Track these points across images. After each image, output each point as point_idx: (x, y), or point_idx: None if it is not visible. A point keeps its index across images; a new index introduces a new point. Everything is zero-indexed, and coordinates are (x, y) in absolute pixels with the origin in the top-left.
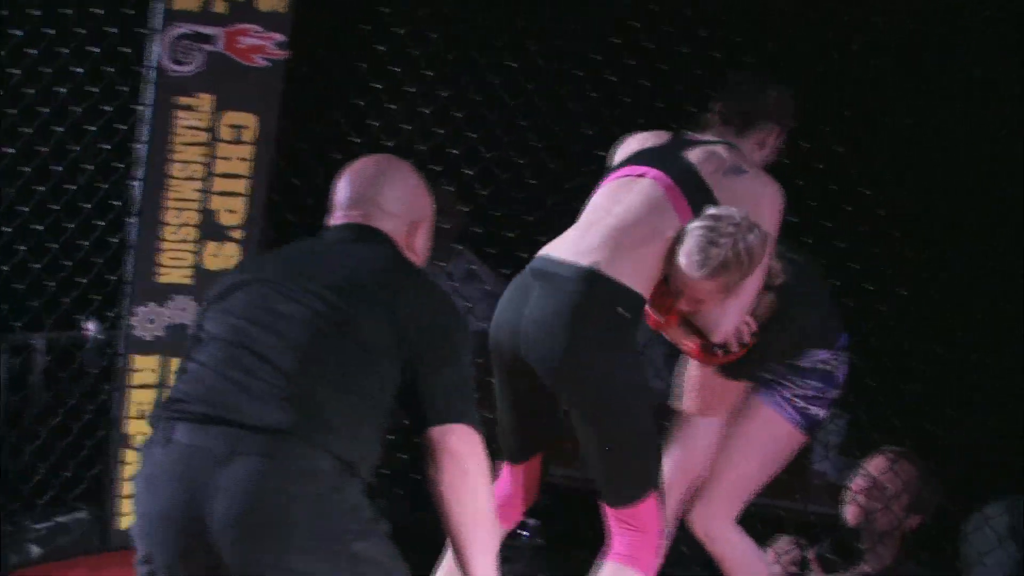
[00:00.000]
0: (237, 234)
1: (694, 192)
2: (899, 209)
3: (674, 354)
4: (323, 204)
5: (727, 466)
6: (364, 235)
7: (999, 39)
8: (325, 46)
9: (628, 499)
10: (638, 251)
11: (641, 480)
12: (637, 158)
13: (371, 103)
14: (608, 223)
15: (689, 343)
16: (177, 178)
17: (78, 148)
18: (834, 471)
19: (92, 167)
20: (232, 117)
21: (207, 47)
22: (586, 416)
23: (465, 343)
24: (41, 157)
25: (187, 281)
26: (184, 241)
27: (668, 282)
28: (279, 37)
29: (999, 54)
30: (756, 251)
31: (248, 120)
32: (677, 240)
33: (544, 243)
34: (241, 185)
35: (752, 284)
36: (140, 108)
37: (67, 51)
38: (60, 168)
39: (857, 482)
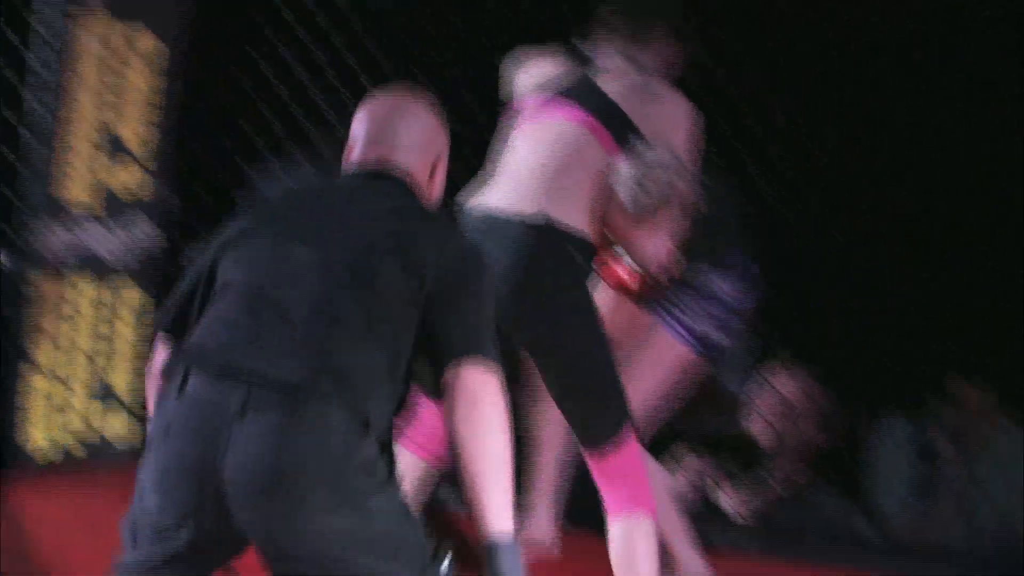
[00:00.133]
0: (141, 155)
1: (618, 128)
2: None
3: None
4: (228, 123)
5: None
6: (380, 176)
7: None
8: None
9: (612, 432)
10: (576, 194)
11: (617, 412)
12: (550, 92)
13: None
14: (539, 169)
15: (625, 277)
16: (80, 100)
17: None
18: (739, 387)
19: None
20: (134, 35)
21: None
22: (556, 363)
23: (484, 283)
24: None
25: (90, 202)
26: (88, 164)
27: (604, 221)
28: None
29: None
30: (688, 189)
31: (150, 40)
32: (611, 181)
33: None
34: (145, 105)
35: (681, 215)
36: (37, 27)
37: None
38: None
39: (765, 400)
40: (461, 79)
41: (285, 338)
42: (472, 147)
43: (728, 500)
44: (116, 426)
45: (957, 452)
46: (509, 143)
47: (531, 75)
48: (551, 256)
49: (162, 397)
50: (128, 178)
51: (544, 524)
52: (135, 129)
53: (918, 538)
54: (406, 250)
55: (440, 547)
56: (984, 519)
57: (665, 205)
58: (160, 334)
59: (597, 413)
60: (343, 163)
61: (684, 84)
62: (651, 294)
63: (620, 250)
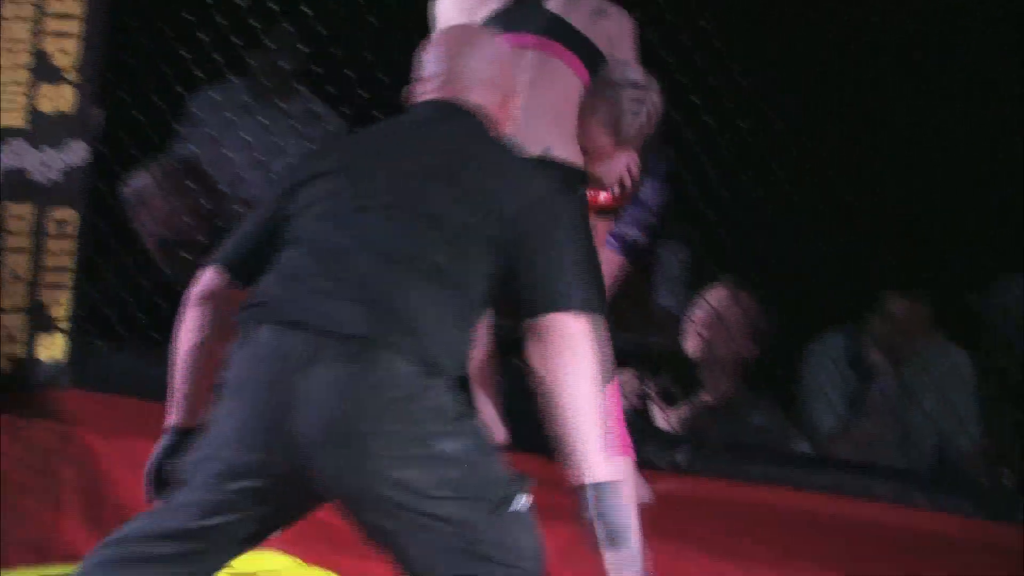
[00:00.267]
0: (71, 76)
1: (581, 49)
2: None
3: None
4: (159, 43)
5: None
6: (451, 112)
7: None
8: None
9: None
10: (564, 126)
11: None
12: (505, 24)
13: None
14: (528, 107)
15: (602, 199)
16: (7, 18)
17: None
18: (675, 304)
19: None
20: None
21: None
22: None
23: (568, 222)
24: None
25: (21, 124)
26: (16, 83)
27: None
28: None
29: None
30: (660, 107)
31: None
32: (586, 107)
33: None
34: (75, 25)
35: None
36: None
37: None
38: None
39: (697, 314)
40: None
41: (353, 288)
42: None
43: (663, 417)
44: (48, 346)
45: (889, 364)
46: None
47: (466, 8)
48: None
49: (236, 346)
50: (56, 96)
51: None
52: (61, 45)
53: (852, 453)
54: (482, 194)
55: (518, 483)
56: (919, 435)
57: (649, 125)
58: (213, 267)
59: None
60: (412, 100)
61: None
62: (620, 211)
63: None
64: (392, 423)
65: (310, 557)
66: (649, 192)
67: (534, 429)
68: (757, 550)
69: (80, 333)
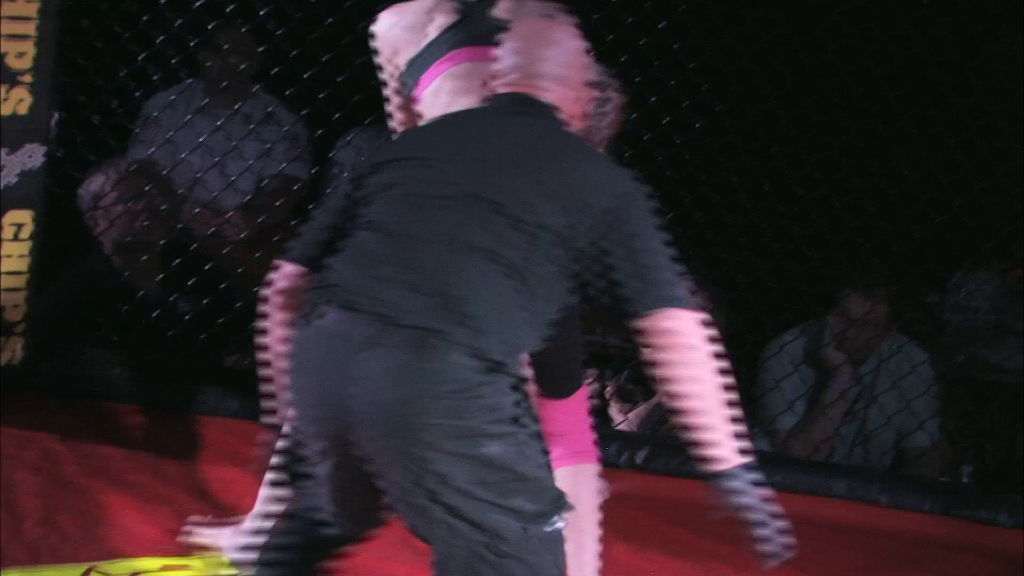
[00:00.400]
0: (27, 78)
1: None
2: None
3: None
4: (113, 44)
5: None
6: (527, 105)
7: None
8: None
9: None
10: None
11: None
12: (458, 38)
13: None
14: None
15: None
16: None
17: None
18: None
19: None
20: None
21: None
22: None
23: (651, 216)
24: None
25: None
26: None
27: None
28: None
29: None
30: (622, 105)
31: None
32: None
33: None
34: (31, 28)
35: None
36: None
37: None
38: None
39: None
40: None
41: (420, 277)
42: None
43: (622, 415)
44: (5, 350)
45: (847, 363)
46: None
47: (417, 32)
48: None
49: (300, 324)
50: (12, 99)
51: None
52: (18, 48)
53: (810, 451)
54: (562, 189)
55: (557, 504)
56: (878, 433)
57: (612, 123)
58: (287, 261)
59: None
60: (487, 92)
61: None
62: None
63: None
64: (444, 416)
65: None
66: None
67: None
68: (716, 548)
69: (37, 336)
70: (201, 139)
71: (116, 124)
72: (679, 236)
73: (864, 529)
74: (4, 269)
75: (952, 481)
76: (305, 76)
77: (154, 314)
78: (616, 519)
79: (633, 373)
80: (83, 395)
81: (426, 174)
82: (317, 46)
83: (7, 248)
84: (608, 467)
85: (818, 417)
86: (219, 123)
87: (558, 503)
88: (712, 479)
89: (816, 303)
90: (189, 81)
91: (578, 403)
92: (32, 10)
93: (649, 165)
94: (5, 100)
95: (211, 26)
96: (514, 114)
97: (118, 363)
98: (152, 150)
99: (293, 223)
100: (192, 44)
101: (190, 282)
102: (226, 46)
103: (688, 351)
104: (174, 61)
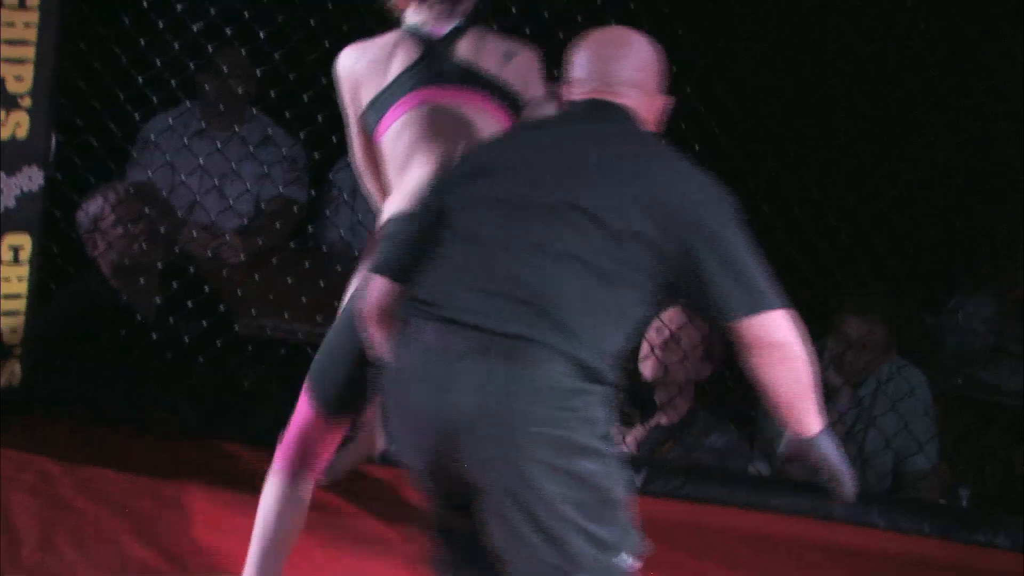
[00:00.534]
0: (26, 101)
1: (499, 94)
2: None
3: None
4: (112, 67)
5: None
6: (605, 112)
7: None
8: None
9: None
10: None
11: None
12: (418, 78)
13: None
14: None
15: None
16: None
17: None
18: None
19: None
20: None
21: None
22: None
23: (737, 219)
24: None
25: None
26: None
27: None
28: None
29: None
30: None
31: None
32: None
33: None
34: (29, 52)
35: None
36: None
37: None
38: None
39: (653, 336)
40: None
41: (511, 285)
42: None
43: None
44: (3, 372)
45: (845, 385)
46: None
47: (373, 65)
48: None
49: (399, 343)
50: (11, 122)
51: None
52: (17, 72)
53: (809, 474)
54: (641, 188)
55: (636, 538)
56: (876, 455)
57: None
58: (382, 277)
59: None
60: (563, 102)
61: None
62: None
63: None
64: (542, 424)
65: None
66: None
67: None
68: (715, 571)
69: (36, 358)
70: (200, 162)
71: (115, 147)
72: None
73: (863, 552)
74: (3, 292)
75: (951, 504)
76: (304, 98)
77: (153, 336)
78: None
79: (631, 395)
80: (82, 418)
81: (512, 183)
82: (315, 68)
83: (6, 271)
84: None
85: None
86: (218, 146)
87: (636, 536)
88: (803, 443)
89: (814, 326)
90: (187, 104)
91: None
92: (31, 33)
93: None
94: (4, 123)
95: (210, 49)
96: (595, 121)
97: (117, 386)
98: (151, 173)
99: (292, 245)
100: (191, 67)
101: (189, 304)
102: (224, 69)
103: (785, 354)
104: (173, 84)
